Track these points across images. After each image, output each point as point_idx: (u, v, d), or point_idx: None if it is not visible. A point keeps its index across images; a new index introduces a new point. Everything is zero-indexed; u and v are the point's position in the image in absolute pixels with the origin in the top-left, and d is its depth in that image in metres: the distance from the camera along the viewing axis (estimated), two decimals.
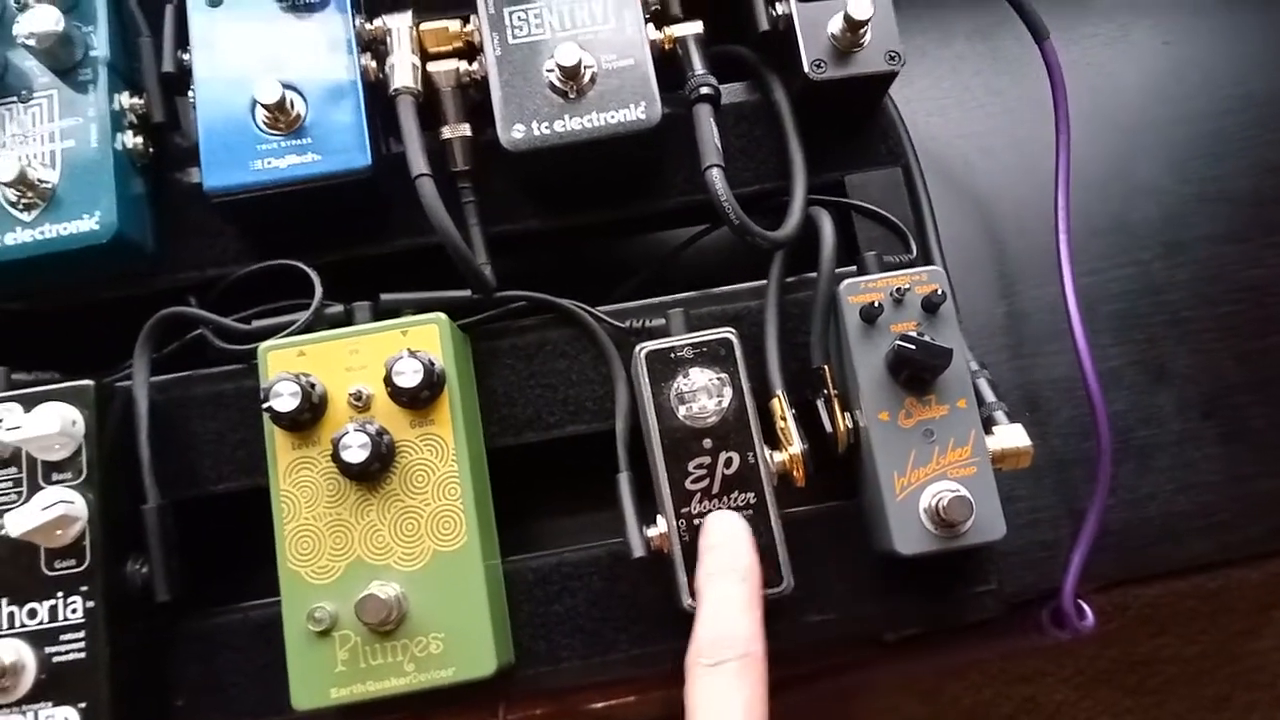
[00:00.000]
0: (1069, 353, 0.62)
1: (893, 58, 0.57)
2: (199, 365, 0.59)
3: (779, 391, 0.53)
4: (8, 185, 0.55)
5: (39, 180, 0.56)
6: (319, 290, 0.56)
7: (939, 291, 0.52)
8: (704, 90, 0.56)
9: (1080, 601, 0.60)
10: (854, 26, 0.55)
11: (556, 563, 0.56)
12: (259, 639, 0.54)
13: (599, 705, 0.99)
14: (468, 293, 0.57)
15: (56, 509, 0.48)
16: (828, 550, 0.55)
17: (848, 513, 0.56)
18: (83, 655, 0.49)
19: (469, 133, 0.59)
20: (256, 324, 0.57)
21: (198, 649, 0.54)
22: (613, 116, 0.56)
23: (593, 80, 0.56)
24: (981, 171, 0.70)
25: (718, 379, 0.51)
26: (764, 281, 0.59)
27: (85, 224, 0.56)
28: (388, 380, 0.50)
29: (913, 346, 0.49)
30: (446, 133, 0.59)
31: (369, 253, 0.61)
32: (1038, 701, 1.13)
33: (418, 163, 0.54)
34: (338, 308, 0.56)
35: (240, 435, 0.57)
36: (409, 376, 0.50)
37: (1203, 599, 1.08)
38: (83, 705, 0.49)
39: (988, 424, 0.53)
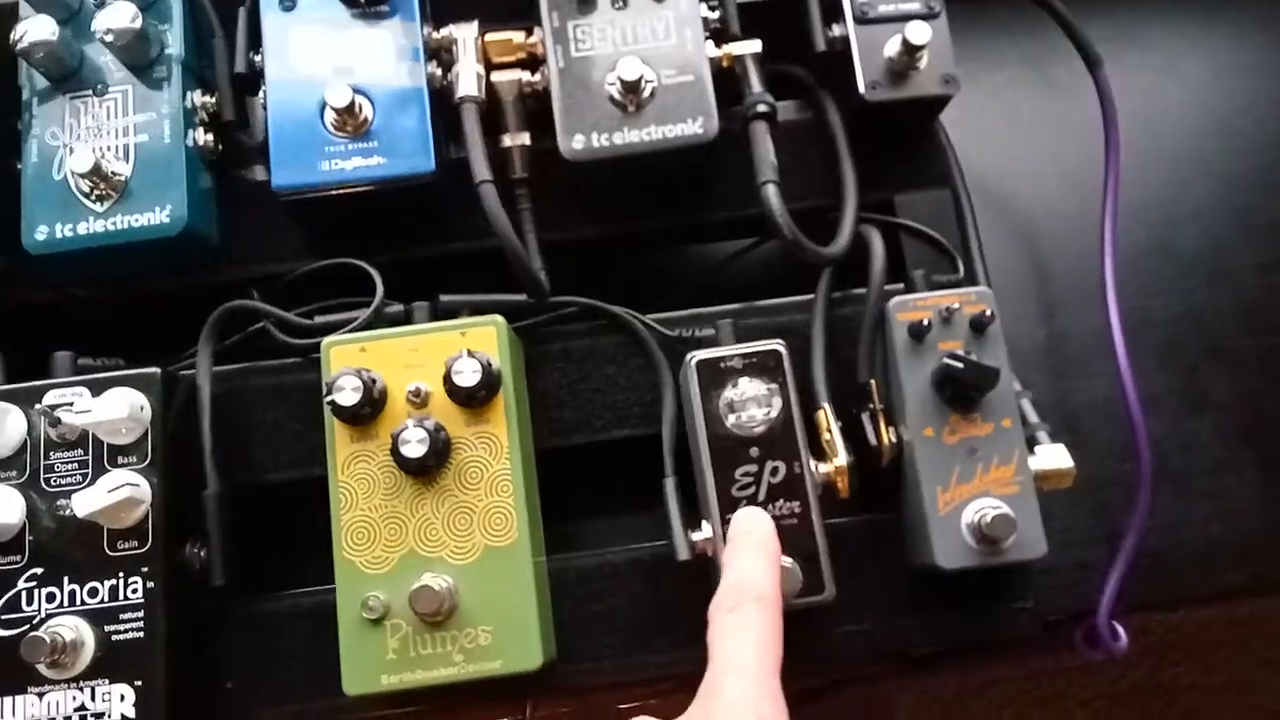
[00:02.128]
0: (1109, 376, 0.63)
1: (948, 81, 0.58)
2: (259, 358, 0.60)
3: (825, 404, 0.55)
4: (82, 176, 0.57)
5: (112, 172, 0.57)
6: (380, 289, 0.57)
7: (987, 312, 0.53)
8: (761, 108, 0.57)
9: (1114, 623, 0.61)
10: (911, 50, 0.56)
11: (599, 563, 0.57)
12: (310, 625, 0.55)
13: (624, 706, 1.00)
14: (523, 297, 0.58)
15: (123, 491, 0.50)
16: (866, 562, 0.56)
17: (887, 526, 0.57)
18: (140, 634, 0.51)
19: (528, 142, 0.61)
20: (318, 319, 0.58)
21: (250, 633, 0.56)
22: (670, 130, 0.57)
23: (652, 94, 0.57)
24: (1028, 197, 0.71)
25: (767, 389, 0.52)
26: (810, 296, 0.60)
27: (156, 216, 0.57)
28: (447, 379, 0.52)
29: (961, 365, 0.50)
30: (507, 140, 0.60)
31: (427, 254, 0.62)
32: None
33: (480, 169, 0.55)
34: (397, 307, 0.58)
35: (298, 427, 0.58)
36: (468, 376, 0.51)
37: (1228, 627, 1.08)
38: (138, 683, 0.50)
39: (1030, 444, 0.54)
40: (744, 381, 0.52)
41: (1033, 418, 0.55)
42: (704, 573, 0.54)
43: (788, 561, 0.50)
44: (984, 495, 0.51)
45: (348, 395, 0.51)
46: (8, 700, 0.50)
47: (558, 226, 0.62)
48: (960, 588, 0.55)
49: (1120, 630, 0.61)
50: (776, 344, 0.53)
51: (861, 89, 0.57)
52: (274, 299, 0.61)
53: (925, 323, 0.53)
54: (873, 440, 0.54)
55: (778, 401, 0.52)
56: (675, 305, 0.62)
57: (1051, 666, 1.07)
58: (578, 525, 0.63)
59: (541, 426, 0.59)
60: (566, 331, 0.61)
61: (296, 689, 0.55)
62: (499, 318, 0.55)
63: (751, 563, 0.46)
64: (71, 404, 0.53)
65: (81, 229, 0.57)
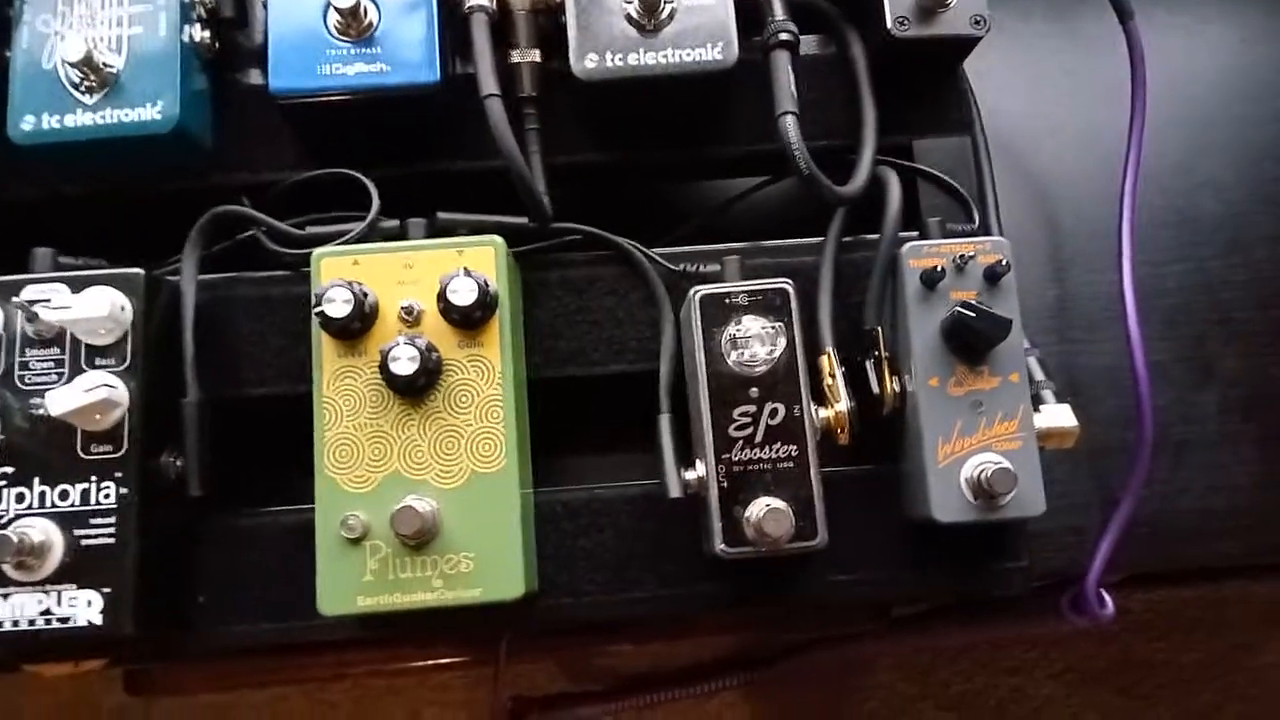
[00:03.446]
0: (1115, 341, 0.62)
1: (978, 22, 0.56)
2: (246, 268, 0.58)
3: (829, 348, 0.53)
4: (73, 66, 0.54)
5: (104, 64, 0.55)
6: (376, 202, 0.55)
7: (1003, 262, 0.51)
8: (783, 36, 0.55)
9: (1101, 590, 0.60)
10: None
11: (587, 498, 0.56)
12: (286, 544, 0.54)
13: (597, 651, 1.00)
14: (523, 220, 0.56)
15: (99, 392, 0.48)
16: (860, 513, 0.55)
17: (882, 477, 0.56)
18: (111, 541, 0.49)
19: (539, 59, 0.58)
20: (310, 230, 0.56)
21: (225, 548, 0.54)
22: (688, 54, 0.55)
23: (671, 16, 0.55)
24: (1046, 152, 0.69)
25: (771, 328, 0.50)
26: (820, 239, 0.58)
27: (147, 112, 0.55)
28: (441, 297, 0.50)
29: (974, 314, 0.49)
30: (516, 57, 0.58)
31: (425, 171, 0.60)
32: (1026, 693, 1.14)
33: (487, 82, 0.53)
34: (393, 222, 0.56)
35: (283, 341, 0.57)
36: (464, 295, 0.49)
37: (1205, 608, 1.08)
38: (107, 590, 0.49)
39: (1035, 402, 0.53)
40: (748, 319, 0.51)
41: (1039, 375, 0.54)
42: (693, 513, 0.53)
43: (781, 504, 0.48)
44: (985, 450, 0.50)
45: (338, 307, 0.49)
46: None
47: (562, 150, 0.60)
48: (955, 544, 0.54)
49: (1108, 598, 0.60)
50: (784, 283, 0.52)
51: (889, 24, 0.55)
52: (265, 209, 0.58)
53: (939, 270, 0.51)
54: (875, 388, 0.53)
55: (782, 341, 0.50)
56: (679, 241, 0.60)
57: (1025, 635, 1.08)
58: (564, 460, 0.62)
59: (535, 356, 0.57)
60: (566, 260, 0.59)
61: (271, 607, 0.54)
62: (498, 238, 0.53)
63: None
64: (50, 300, 0.51)
65: (69, 121, 0.55)
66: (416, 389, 0.50)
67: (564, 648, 0.94)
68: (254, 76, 0.61)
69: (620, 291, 0.58)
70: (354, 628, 0.53)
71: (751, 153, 0.61)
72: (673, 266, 0.58)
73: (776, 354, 0.50)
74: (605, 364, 0.58)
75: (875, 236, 0.58)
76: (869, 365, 0.53)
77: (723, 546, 0.49)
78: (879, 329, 0.54)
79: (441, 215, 0.56)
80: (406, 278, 0.52)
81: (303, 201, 0.59)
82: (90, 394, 0.48)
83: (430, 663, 0.91)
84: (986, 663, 1.14)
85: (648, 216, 0.65)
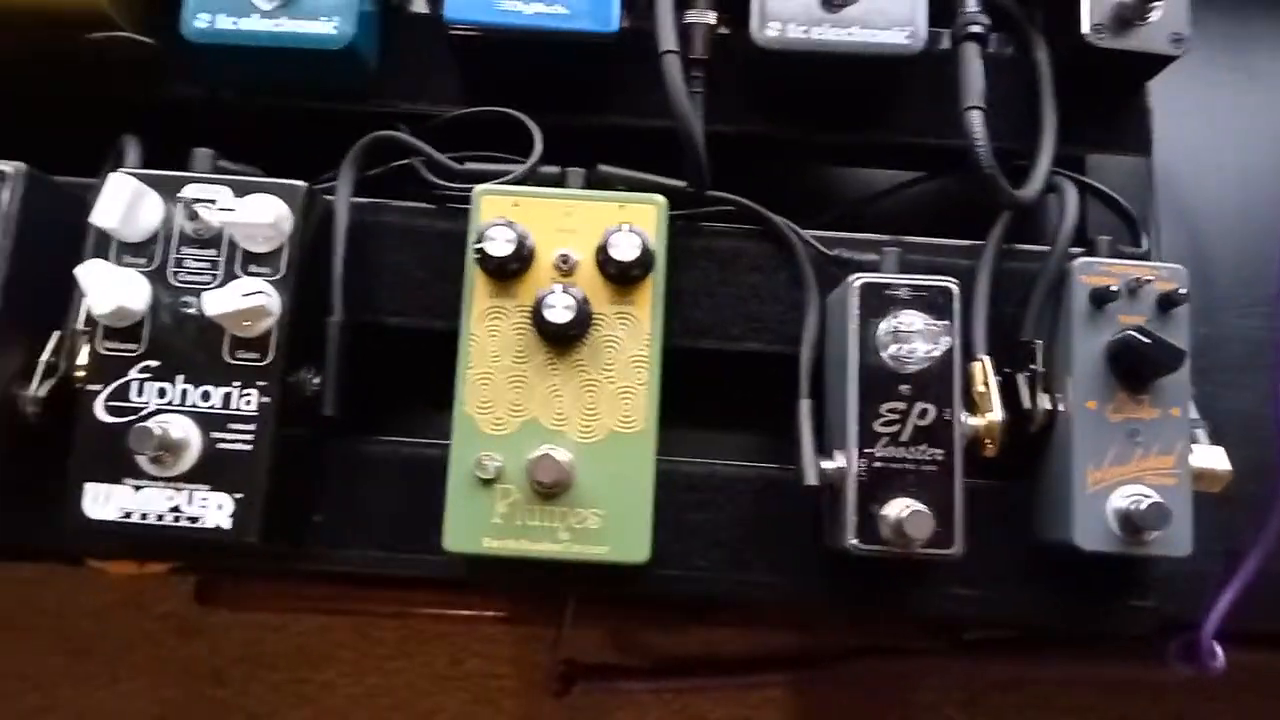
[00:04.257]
0: (1259, 389, 0.59)
1: (1177, 40, 0.54)
2: (395, 196, 0.58)
3: (983, 355, 0.52)
4: None
5: None
6: (539, 145, 0.55)
7: (1180, 291, 0.49)
8: (975, 28, 0.53)
9: (1214, 642, 0.58)
10: None
11: (708, 472, 0.55)
12: (406, 477, 0.53)
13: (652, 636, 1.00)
14: (681, 184, 0.55)
15: (256, 298, 0.48)
16: (986, 529, 0.53)
17: (1014, 494, 0.54)
18: (248, 447, 0.49)
19: (714, 22, 0.57)
20: (469, 166, 0.56)
21: (347, 472, 0.54)
22: (874, 36, 0.53)
23: None
24: (1208, 186, 0.66)
25: (935, 325, 0.49)
26: (974, 242, 0.57)
27: (322, 26, 0.55)
28: (601, 250, 0.49)
29: (1148, 341, 0.47)
30: (692, 17, 0.57)
31: (582, 122, 0.59)
32: None
33: (667, 38, 0.52)
34: (552, 169, 0.55)
35: (424, 275, 0.56)
36: (625, 250, 0.49)
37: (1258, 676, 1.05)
38: (239, 495, 0.49)
39: None
40: (909, 314, 0.49)
41: (1192, 413, 0.52)
42: (813, 502, 0.52)
43: (924, 507, 0.47)
44: (1137, 482, 0.49)
45: (499, 246, 0.48)
46: (103, 487, 0.49)
47: (722, 117, 0.58)
48: (1083, 573, 0.52)
49: (1219, 650, 0.58)
50: (949, 282, 0.50)
51: (1085, 30, 0.53)
52: (424, 139, 0.58)
53: (1111, 290, 0.49)
54: (1026, 403, 0.51)
55: (945, 341, 0.49)
56: (824, 226, 0.59)
57: (1087, 677, 1.05)
58: (682, 432, 0.61)
59: (672, 323, 0.56)
60: (713, 230, 0.58)
61: (380, 535, 0.53)
62: (660, 197, 0.52)
63: None
64: (212, 200, 0.51)
65: (244, 25, 0.55)
66: (565, 338, 0.49)
67: (629, 619, 0.93)
68: (419, 5, 0.61)
69: (766, 269, 0.57)
70: (461, 569, 0.53)
71: (914, 145, 0.60)
72: (827, 251, 0.56)
73: (937, 353, 0.49)
74: (742, 340, 0.56)
75: (1030, 247, 0.57)
76: (1021, 379, 0.52)
77: (855, 541, 0.48)
78: (1037, 342, 0.52)
79: (602, 168, 0.55)
80: (564, 225, 0.51)
81: (458, 138, 0.58)
82: (247, 299, 0.48)
83: (485, 613, 0.91)
84: (1046, 697, 1.11)
85: (789, 196, 0.63)
